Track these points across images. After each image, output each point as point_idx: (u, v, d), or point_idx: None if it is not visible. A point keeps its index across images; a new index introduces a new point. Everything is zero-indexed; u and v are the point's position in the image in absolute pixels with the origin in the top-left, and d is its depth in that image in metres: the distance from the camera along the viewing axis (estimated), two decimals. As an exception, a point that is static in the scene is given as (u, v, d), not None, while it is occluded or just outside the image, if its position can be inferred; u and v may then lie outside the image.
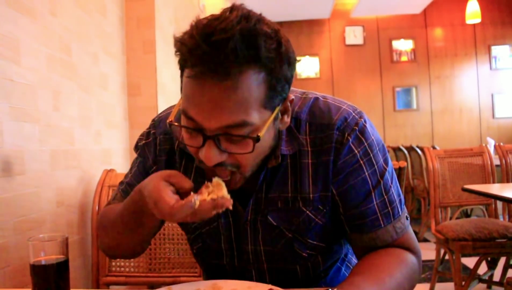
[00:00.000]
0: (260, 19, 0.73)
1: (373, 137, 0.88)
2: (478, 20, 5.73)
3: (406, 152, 5.36)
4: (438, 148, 4.47)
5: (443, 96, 7.07)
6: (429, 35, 7.13)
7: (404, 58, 7.16)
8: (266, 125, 0.76)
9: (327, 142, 0.86)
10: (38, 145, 1.54)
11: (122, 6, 2.41)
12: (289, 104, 0.82)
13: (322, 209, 0.90)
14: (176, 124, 0.79)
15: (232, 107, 0.71)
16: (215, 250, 0.98)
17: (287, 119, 0.83)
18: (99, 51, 2.09)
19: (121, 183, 1.05)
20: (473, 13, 5.69)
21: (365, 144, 0.87)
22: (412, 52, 7.15)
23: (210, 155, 0.74)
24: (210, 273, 1.05)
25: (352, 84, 7.23)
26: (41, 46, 1.58)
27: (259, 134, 0.75)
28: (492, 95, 6.98)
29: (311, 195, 0.89)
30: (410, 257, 0.88)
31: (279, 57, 0.73)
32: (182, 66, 0.76)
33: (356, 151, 0.86)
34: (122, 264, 1.76)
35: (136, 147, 1.04)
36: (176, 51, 0.75)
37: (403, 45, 7.16)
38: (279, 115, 0.81)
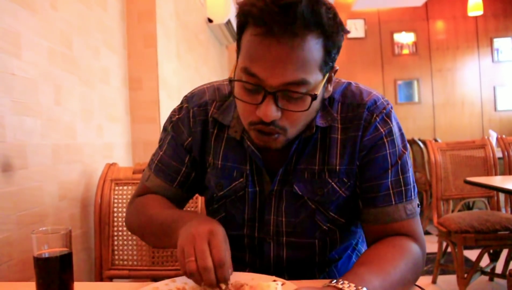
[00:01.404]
0: None
1: (396, 123, 0.96)
2: (480, 12, 5.70)
3: (408, 145, 5.34)
4: (440, 141, 4.47)
5: (445, 89, 7.05)
6: (431, 27, 7.10)
7: (405, 51, 7.13)
8: (319, 88, 0.83)
9: (356, 119, 0.93)
10: (40, 139, 1.54)
11: (122, 0, 2.40)
12: (333, 74, 0.88)
13: (346, 182, 0.94)
14: (236, 80, 0.83)
15: (295, 65, 0.77)
16: (237, 220, 1.01)
17: (330, 88, 0.90)
18: (100, 45, 2.08)
19: (151, 162, 1.08)
20: (475, 5, 5.66)
21: (390, 125, 0.94)
22: (413, 45, 7.12)
23: (268, 110, 0.79)
24: None
25: (353, 77, 7.17)
26: (42, 40, 1.58)
27: (316, 92, 0.81)
28: (494, 88, 6.96)
29: (337, 167, 0.94)
30: (415, 248, 0.89)
31: (336, 25, 0.80)
32: (244, 26, 0.81)
33: (381, 130, 0.93)
34: (125, 257, 1.77)
35: (170, 122, 1.06)
36: (239, 13, 0.81)
37: (405, 38, 7.14)
38: (326, 83, 0.86)
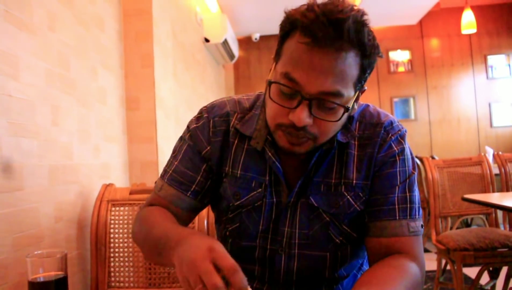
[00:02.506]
0: (364, 14, 0.83)
1: (408, 146, 1.02)
2: (473, 30, 5.77)
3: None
4: (437, 158, 4.47)
5: (440, 106, 7.09)
6: (426, 45, 7.17)
7: (401, 69, 7.19)
8: (351, 103, 0.87)
9: (373, 137, 0.98)
10: (37, 160, 1.54)
11: (120, 21, 2.42)
12: (360, 94, 0.92)
13: (362, 196, 0.97)
14: (276, 82, 0.86)
15: (334, 77, 0.81)
16: (251, 230, 1.01)
17: (356, 106, 0.94)
18: (97, 65, 2.09)
19: (164, 173, 1.06)
20: (468, 23, 5.73)
21: (403, 146, 1.00)
22: (409, 63, 7.18)
23: (302, 115, 0.83)
24: (237, 258, 1.00)
25: (350, 95, 7.23)
26: (40, 61, 1.58)
27: (348, 105, 0.86)
28: (489, 104, 7.00)
29: (354, 181, 0.97)
30: (414, 269, 0.89)
31: (373, 47, 0.85)
32: (288, 34, 0.85)
33: (395, 149, 0.98)
34: (122, 279, 1.75)
35: (187, 131, 1.06)
36: (286, 20, 0.85)
37: (400, 56, 7.20)
38: (354, 101, 0.90)
